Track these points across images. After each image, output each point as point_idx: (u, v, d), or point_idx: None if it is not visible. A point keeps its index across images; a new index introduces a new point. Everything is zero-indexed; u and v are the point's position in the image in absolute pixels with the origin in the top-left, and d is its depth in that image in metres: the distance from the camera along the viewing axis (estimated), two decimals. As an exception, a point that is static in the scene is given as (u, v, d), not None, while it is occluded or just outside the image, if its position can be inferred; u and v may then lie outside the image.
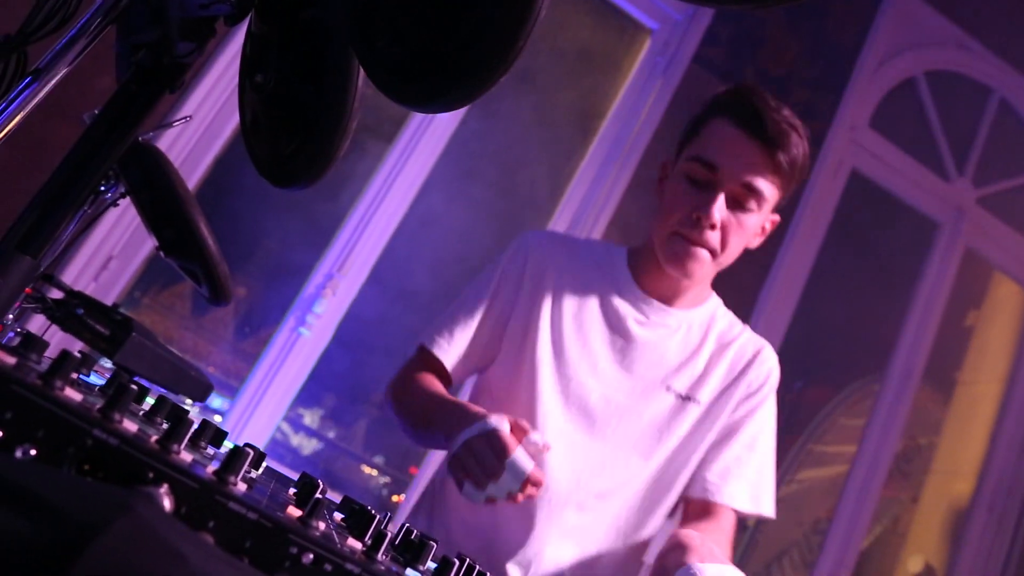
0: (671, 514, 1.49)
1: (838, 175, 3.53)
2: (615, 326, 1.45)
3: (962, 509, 3.68)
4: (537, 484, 1.08)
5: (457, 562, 0.53)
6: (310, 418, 3.25)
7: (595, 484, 1.41)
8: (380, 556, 0.52)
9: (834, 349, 3.81)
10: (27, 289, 1.21)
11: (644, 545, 1.47)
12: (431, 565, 0.59)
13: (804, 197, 3.44)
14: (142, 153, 1.12)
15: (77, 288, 2.45)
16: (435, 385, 1.43)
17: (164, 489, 0.46)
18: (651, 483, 1.44)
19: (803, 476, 3.88)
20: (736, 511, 1.41)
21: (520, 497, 1.08)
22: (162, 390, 1.33)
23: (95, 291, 2.50)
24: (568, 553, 1.40)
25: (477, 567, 0.63)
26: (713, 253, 1.36)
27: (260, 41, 0.91)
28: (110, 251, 2.55)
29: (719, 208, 1.32)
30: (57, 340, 2.18)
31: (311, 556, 0.47)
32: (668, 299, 1.47)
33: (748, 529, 3.79)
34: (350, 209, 2.92)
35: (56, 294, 1.36)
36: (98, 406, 0.51)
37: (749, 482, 1.42)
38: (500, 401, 1.47)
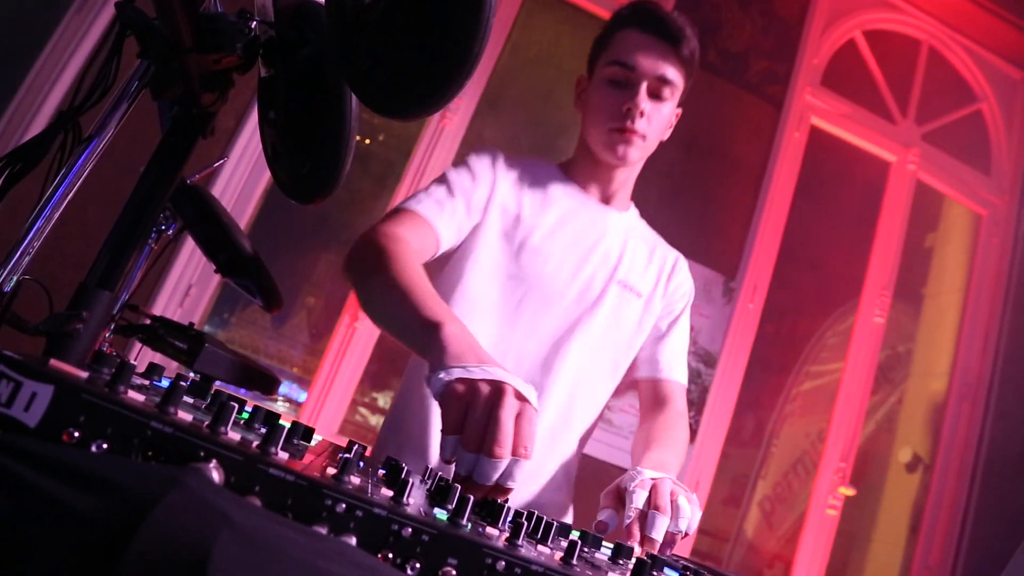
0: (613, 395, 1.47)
1: (800, 130, 3.49)
2: (568, 224, 1.42)
3: (940, 404, 3.64)
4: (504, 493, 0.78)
5: (471, 498, 0.53)
6: (383, 400, 3.29)
7: (549, 372, 1.35)
8: (406, 499, 0.52)
9: (817, 283, 3.78)
10: (115, 319, 1.24)
11: (583, 426, 1.41)
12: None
13: (773, 153, 3.40)
14: (191, 193, 1.14)
15: (166, 315, 2.50)
16: (406, 258, 1.12)
17: (213, 464, 0.47)
18: (592, 367, 1.39)
19: (804, 391, 3.87)
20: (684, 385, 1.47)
21: (478, 492, 0.75)
22: (236, 388, 1.35)
23: (181, 315, 2.54)
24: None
25: (495, 500, 0.64)
26: (643, 138, 1.37)
27: (268, 83, 0.91)
28: (189, 280, 2.58)
29: (643, 98, 1.34)
30: (148, 358, 2.23)
31: (343, 506, 0.48)
32: (604, 200, 1.47)
33: (763, 444, 3.78)
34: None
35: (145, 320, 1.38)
36: (155, 403, 0.51)
37: (684, 363, 1.49)
38: (461, 300, 1.34)
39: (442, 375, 0.81)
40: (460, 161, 1.43)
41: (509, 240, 1.38)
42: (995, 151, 3.87)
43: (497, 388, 0.78)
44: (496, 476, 0.75)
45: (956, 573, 3.28)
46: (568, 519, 1.42)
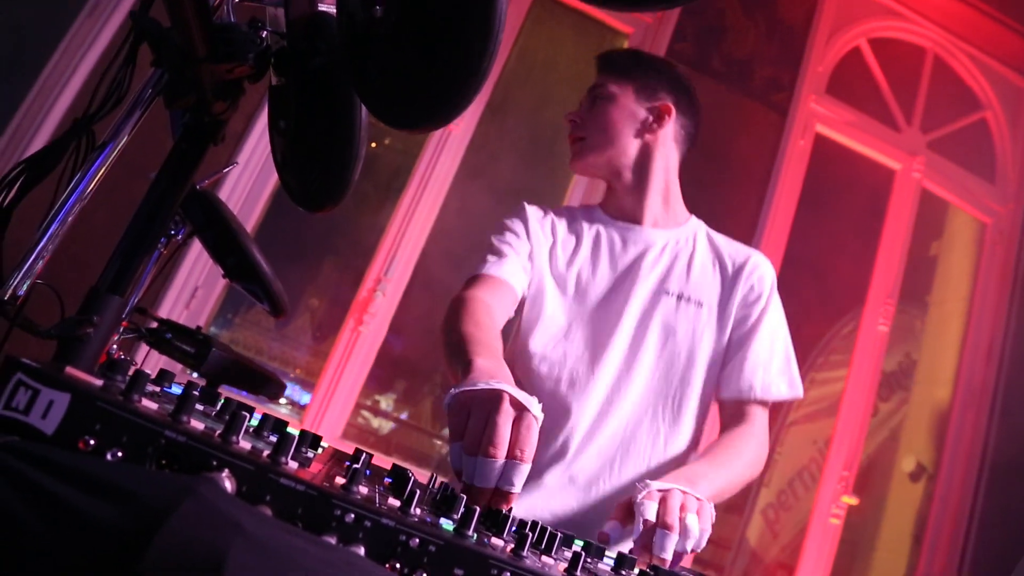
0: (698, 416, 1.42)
1: (805, 138, 3.49)
2: (603, 252, 1.45)
3: (944, 413, 3.64)
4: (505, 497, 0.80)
5: (477, 509, 0.54)
6: (385, 403, 3.30)
7: (612, 394, 1.35)
8: (413, 510, 0.53)
9: (822, 290, 3.78)
10: (124, 322, 1.25)
11: (675, 444, 1.38)
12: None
13: (777, 161, 3.41)
14: (200, 198, 1.15)
15: (172, 316, 2.52)
16: (478, 317, 1.19)
17: (225, 473, 0.48)
18: (660, 385, 1.37)
19: (809, 398, 3.87)
20: (775, 400, 1.39)
21: (482, 504, 0.77)
22: (243, 392, 1.36)
23: (187, 317, 2.56)
24: (592, 458, 1.32)
25: (497, 509, 0.64)
26: (582, 139, 1.47)
27: (279, 92, 0.92)
28: (195, 282, 2.60)
29: (577, 111, 1.50)
30: (155, 361, 2.24)
31: (352, 516, 0.49)
32: (639, 221, 1.49)
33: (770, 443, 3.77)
34: (389, 221, 2.95)
35: (152, 323, 1.39)
36: (169, 411, 0.52)
37: (780, 371, 1.39)
38: (525, 350, 1.38)
39: (452, 391, 0.86)
40: (499, 226, 1.48)
41: (557, 282, 1.43)
42: (1000, 159, 3.86)
43: (494, 395, 0.81)
44: (494, 477, 0.77)
45: (959, 583, 3.28)
46: None
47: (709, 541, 1.01)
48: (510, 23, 3.16)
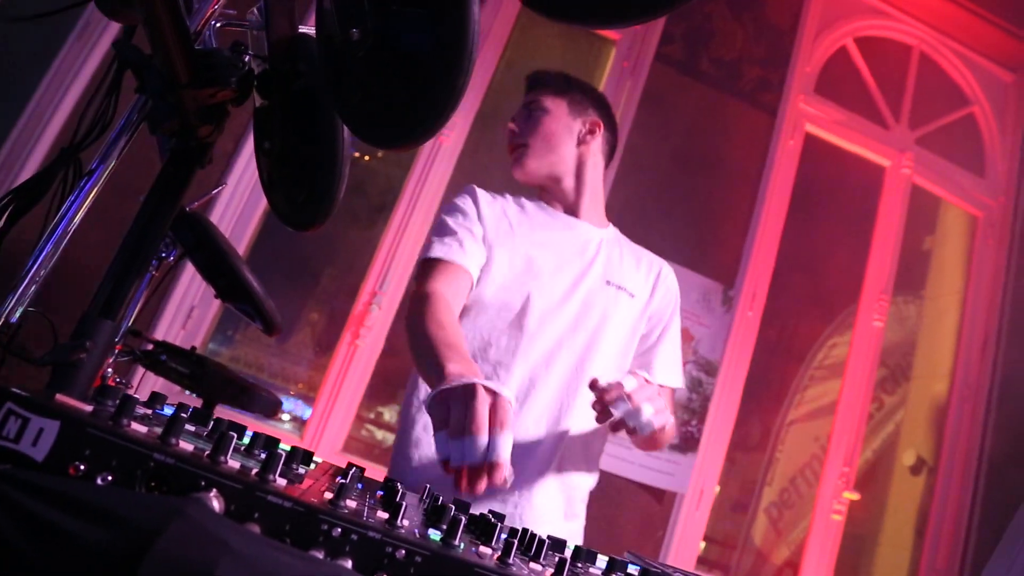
0: None
1: (794, 137, 3.51)
2: (556, 237, 1.54)
3: (942, 406, 3.65)
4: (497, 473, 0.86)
5: (464, 518, 0.55)
6: (388, 414, 3.30)
7: (561, 379, 1.44)
8: (401, 521, 0.54)
9: (816, 288, 3.80)
10: (118, 346, 1.26)
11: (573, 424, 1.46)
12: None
13: (768, 161, 3.42)
14: (190, 220, 1.16)
15: (169, 337, 2.52)
16: (442, 318, 1.27)
17: (214, 493, 0.49)
18: (582, 366, 1.46)
19: (809, 396, 3.88)
20: (670, 388, 1.57)
21: (479, 486, 0.83)
22: (239, 410, 1.37)
23: (184, 337, 2.56)
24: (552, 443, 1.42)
25: (483, 513, 0.65)
26: (519, 147, 1.58)
27: (263, 113, 0.93)
28: (191, 302, 2.61)
29: (514, 122, 1.61)
30: (151, 383, 2.24)
31: (339, 530, 0.50)
32: (571, 212, 1.60)
33: (768, 450, 3.79)
34: (383, 233, 2.96)
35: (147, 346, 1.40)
36: (157, 434, 0.53)
37: (678, 367, 1.59)
38: (473, 321, 1.45)
39: (431, 392, 0.95)
40: (451, 207, 1.54)
41: (508, 261, 1.47)
42: (988, 153, 3.89)
43: (469, 387, 0.89)
44: (480, 453, 0.82)
45: (964, 574, 3.28)
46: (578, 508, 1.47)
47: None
48: (498, 34, 3.18)
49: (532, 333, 1.43)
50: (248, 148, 2.67)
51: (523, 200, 1.62)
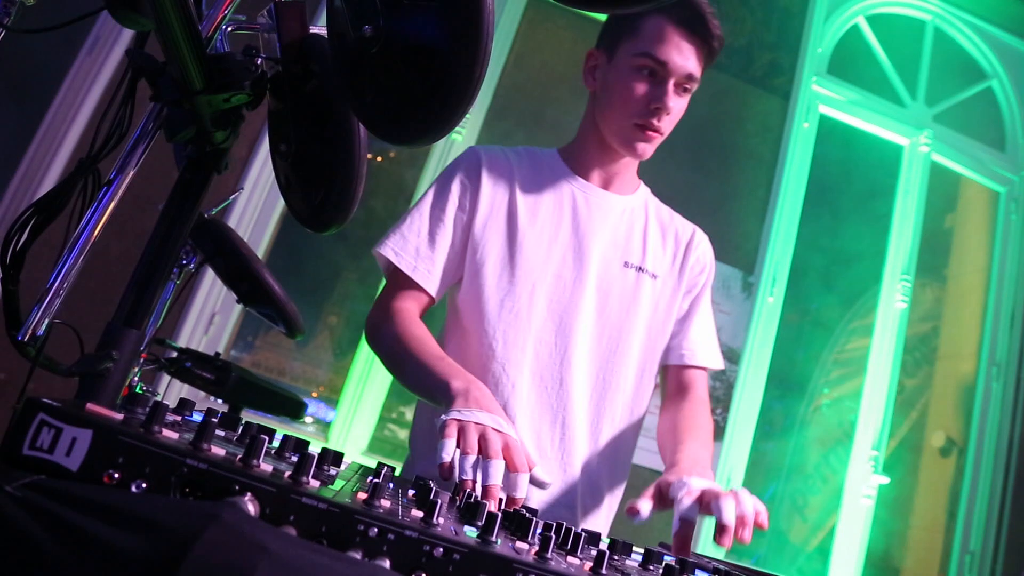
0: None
1: (809, 120, 3.48)
2: (565, 213, 1.39)
3: (970, 386, 3.60)
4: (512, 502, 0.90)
5: (500, 515, 0.55)
6: (411, 414, 3.30)
7: (580, 370, 1.34)
8: (436, 519, 0.53)
9: (838, 271, 3.76)
10: (143, 354, 1.26)
11: (637, 415, 1.40)
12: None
13: (783, 145, 3.39)
14: (209, 227, 1.16)
15: (192, 344, 2.54)
16: (415, 332, 1.24)
17: (248, 497, 0.49)
18: (624, 356, 1.36)
19: (834, 379, 3.84)
20: (710, 369, 1.44)
21: (491, 493, 0.86)
22: (264, 414, 1.38)
23: (207, 344, 2.58)
24: (571, 437, 1.32)
25: (516, 509, 0.65)
26: (662, 135, 1.36)
27: (278, 116, 0.93)
28: (212, 309, 2.62)
29: (671, 97, 1.32)
30: (177, 390, 2.26)
31: (375, 530, 0.49)
32: (605, 185, 1.44)
33: (794, 435, 3.76)
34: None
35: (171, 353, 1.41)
36: (188, 440, 0.53)
37: (715, 343, 1.46)
38: (471, 315, 1.34)
39: (442, 416, 0.98)
40: (442, 178, 1.40)
41: (508, 238, 1.36)
42: (1009, 127, 3.82)
43: (480, 427, 0.94)
44: (498, 476, 0.87)
45: (998, 556, 3.24)
46: (606, 513, 1.39)
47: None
48: (505, 29, 3.17)
49: (540, 323, 1.33)
50: (262, 152, 2.69)
51: (538, 158, 1.47)
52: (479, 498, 0.79)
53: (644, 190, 1.51)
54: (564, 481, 1.31)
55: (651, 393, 1.43)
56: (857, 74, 3.64)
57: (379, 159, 3.23)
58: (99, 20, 2.59)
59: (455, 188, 1.37)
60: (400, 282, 1.32)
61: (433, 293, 1.33)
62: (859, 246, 3.72)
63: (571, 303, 1.34)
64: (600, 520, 1.37)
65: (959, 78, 3.80)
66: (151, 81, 0.87)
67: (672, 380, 1.43)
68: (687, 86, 1.34)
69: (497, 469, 0.88)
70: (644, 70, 1.32)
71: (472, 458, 0.89)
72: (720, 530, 0.91)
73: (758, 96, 3.45)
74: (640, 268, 1.40)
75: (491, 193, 1.37)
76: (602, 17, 1.63)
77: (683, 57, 1.31)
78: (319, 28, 0.92)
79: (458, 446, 0.92)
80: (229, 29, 0.96)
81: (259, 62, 0.92)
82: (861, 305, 3.85)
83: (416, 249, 1.32)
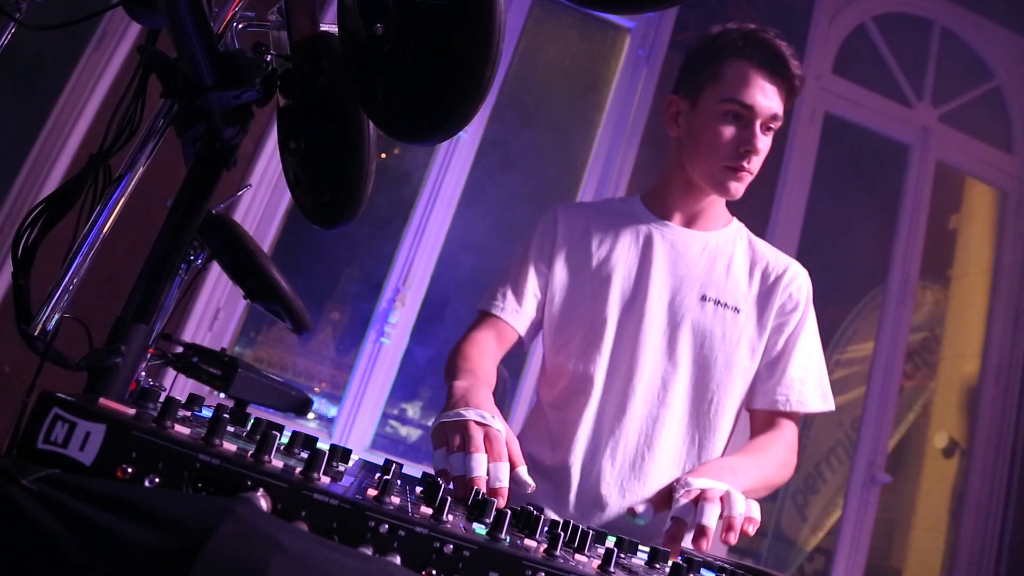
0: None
1: (814, 120, 3.47)
2: (641, 249, 1.42)
3: (973, 386, 3.60)
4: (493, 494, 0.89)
5: (509, 512, 0.55)
6: (412, 411, 3.31)
7: (652, 402, 1.35)
8: (446, 517, 0.54)
9: (842, 271, 3.76)
10: (151, 349, 1.27)
11: (707, 450, 1.38)
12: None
13: (788, 145, 3.39)
14: (217, 223, 1.17)
15: (196, 339, 2.55)
16: (470, 352, 1.30)
17: (260, 493, 0.49)
18: (699, 390, 1.37)
19: (835, 380, 3.83)
20: (808, 413, 1.39)
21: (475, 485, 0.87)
22: (270, 410, 1.38)
23: (211, 339, 2.59)
24: (626, 462, 1.33)
25: (525, 507, 0.65)
26: (752, 175, 1.38)
27: (288, 113, 0.93)
28: (217, 304, 2.63)
29: (760, 139, 1.34)
30: (182, 384, 2.27)
31: (386, 526, 0.50)
32: (687, 224, 1.46)
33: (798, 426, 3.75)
34: (403, 231, 2.97)
35: (177, 348, 1.42)
36: (200, 435, 0.54)
37: (815, 384, 1.40)
38: (557, 363, 1.40)
39: (433, 422, 1.02)
40: (525, 238, 1.48)
41: (582, 281, 1.41)
42: (1016, 127, 3.81)
43: (461, 422, 0.96)
44: (479, 467, 0.88)
45: (1002, 557, 3.24)
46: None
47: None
48: (511, 26, 3.17)
49: (627, 361, 1.36)
50: (268, 149, 2.69)
51: (616, 205, 1.52)
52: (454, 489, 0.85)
53: (736, 225, 1.51)
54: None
55: (730, 426, 1.41)
56: (863, 74, 3.63)
57: (383, 156, 3.24)
58: (106, 16, 2.60)
59: (534, 243, 1.45)
60: (484, 320, 1.40)
61: (519, 329, 1.40)
62: (863, 247, 3.71)
63: (644, 336, 1.36)
64: None
65: (965, 78, 3.78)
66: (162, 77, 0.87)
67: (759, 423, 1.40)
68: (771, 125, 1.37)
69: (478, 462, 0.89)
70: (730, 115, 1.35)
71: (460, 456, 0.91)
72: (698, 533, 0.92)
73: (763, 95, 3.44)
74: (718, 302, 1.39)
75: (567, 241, 1.44)
76: (606, 16, 1.64)
77: (767, 99, 1.34)
78: (329, 25, 0.92)
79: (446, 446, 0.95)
80: (239, 26, 0.96)
81: (269, 59, 0.92)
82: (865, 304, 3.85)
83: (502, 294, 1.41)
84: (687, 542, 0.96)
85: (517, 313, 1.40)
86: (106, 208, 0.92)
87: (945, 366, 3.83)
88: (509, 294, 1.41)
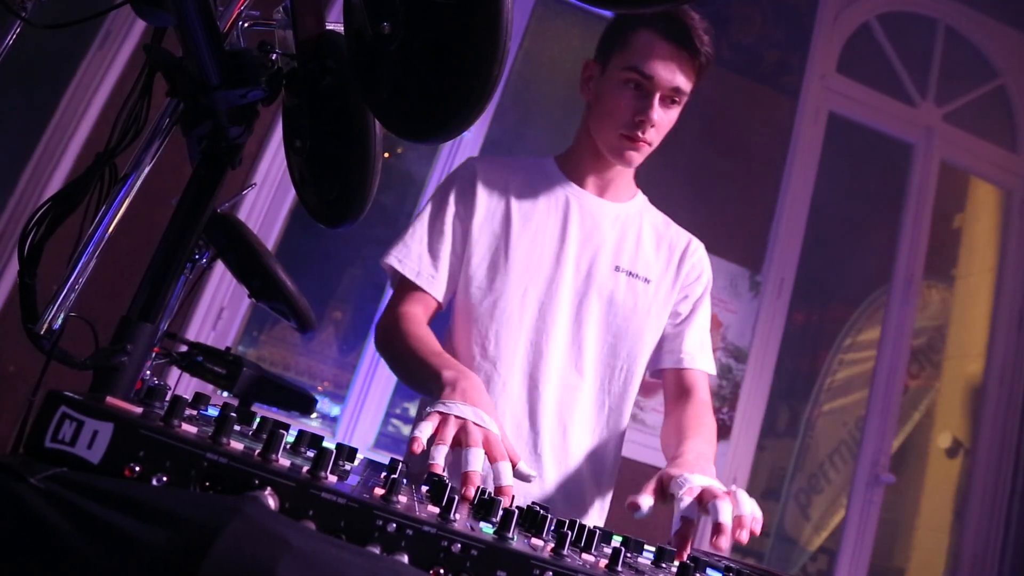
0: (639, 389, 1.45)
1: (818, 120, 3.46)
2: (558, 218, 1.43)
3: (977, 386, 3.59)
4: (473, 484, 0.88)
5: (517, 511, 0.55)
6: (415, 410, 3.31)
7: (568, 370, 1.37)
8: (453, 516, 0.53)
9: (846, 270, 3.75)
10: (156, 348, 1.27)
11: (621, 414, 1.42)
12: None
13: (792, 145, 3.38)
14: (222, 222, 1.17)
15: (200, 338, 2.55)
16: (418, 333, 1.28)
17: (268, 491, 0.49)
18: (611, 357, 1.40)
19: (839, 380, 3.83)
20: (708, 374, 1.46)
21: (470, 480, 0.86)
22: (274, 409, 1.38)
23: (215, 338, 2.59)
24: (557, 436, 1.36)
25: (530, 506, 0.65)
26: (650, 145, 1.39)
27: (293, 112, 0.93)
28: (221, 303, 2.63)
29: (656, 111, 1.34)
30: (187, 383, 2.27)
31: (394, 525, 0.50)
32: (599, 193, 1.48)
33: (800, 435, 3.75)
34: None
35: (182, 347, 1.42)
36: (207, 434, 0.54)
37: (710, 351, 1.48)
38: (466, 317, 1.39)
39: (428, 409, 1.00)
40: (441, 189, 1.45)
41: (502, 242, 1.40)
42: (1020, 126, 3.80)
43: (459, 423, 0.95)
44: (478, 463, 0.88)
45: (1005, 557, 3.23)
46: (600, 514, 1.42)
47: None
48: (515, 23, 3.16)
49: (531, 323, 1.36)
50: (272, 148, 2.69)
51: (531, 166, 1.50)
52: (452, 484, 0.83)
53: (641, 198, 1.54)
54: (556, 479, 1.34)
55: (636, 393, 1.45)
56: (867, 73, 3.63)
57: (386, 155, 3.24)
58: (110, 14, 2.60)
59: (452, 197, 1.42)
60: (406, 289, 1.37)
61: (439, 297, 1.38)
62: (867, 246, 3.71)
63: (560, 305, 1.38)
64: (589, 520, 1.37)
65: (970, 77, 3.77)
66: (168, 76, 0.87)
67: (672, 383, 1.45)
68: (675, 99, 1.37)
69: (476, 457, 0.89)
70: (631, 83, 1.35)
71: (444, 448, 0.91)
72: (716, 531, 0.90)
73: (767, 94, 3.44)
74: (631, 272, 1.43)
75: (486, 200, 1.42)
76: (610, 15, 1.63)
77: (670, 71, 1.33)
78: (335, 24, 0.92)
79: (436, 434, 0.94)
80: (245, 25, 0.96)
81: (275, 58, 0.92)
82: (868, 304, 3.84)
83: (419, 256, 1.37)
84: (703, 542, 0.96)
85: (434, 279, 1.37)
86: (112, 207, 0.92)
87: (949, 366, 3.83)
88: (427, 258, 1.38)
